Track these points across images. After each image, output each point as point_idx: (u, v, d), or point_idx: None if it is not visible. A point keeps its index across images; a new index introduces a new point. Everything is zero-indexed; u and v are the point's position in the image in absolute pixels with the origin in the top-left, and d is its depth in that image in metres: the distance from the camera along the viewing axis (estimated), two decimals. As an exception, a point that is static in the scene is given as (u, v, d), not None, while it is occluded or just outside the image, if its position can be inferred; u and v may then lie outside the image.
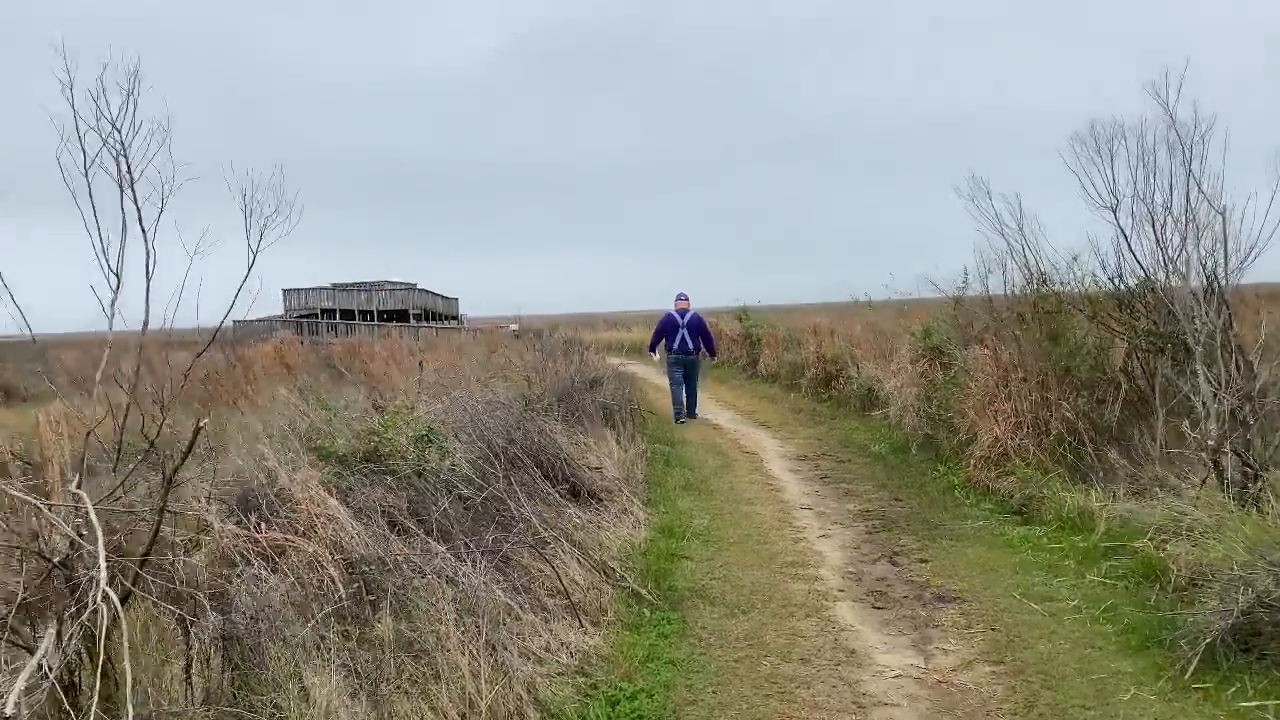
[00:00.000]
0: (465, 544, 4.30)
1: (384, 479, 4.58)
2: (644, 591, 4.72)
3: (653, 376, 18.10)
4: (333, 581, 3.79)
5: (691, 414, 12.69)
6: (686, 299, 12.81)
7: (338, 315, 51.50)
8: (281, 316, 51.50)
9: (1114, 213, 7.60)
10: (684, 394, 12.62)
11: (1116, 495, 6.27)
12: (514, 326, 50.48)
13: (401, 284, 53.99)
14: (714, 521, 6.64)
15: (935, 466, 8.20)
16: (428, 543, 4.18)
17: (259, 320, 50.77)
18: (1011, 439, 7.10)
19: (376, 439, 4.82)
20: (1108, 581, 5.00)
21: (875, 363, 12.01)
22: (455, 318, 55.76)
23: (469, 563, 4.12)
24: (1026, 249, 7.59)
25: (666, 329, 12.78)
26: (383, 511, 4.34)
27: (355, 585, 3.83)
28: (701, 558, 5.69)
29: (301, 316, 51.74)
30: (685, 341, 12.50)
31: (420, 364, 14.29)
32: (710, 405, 14.72)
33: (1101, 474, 6.70)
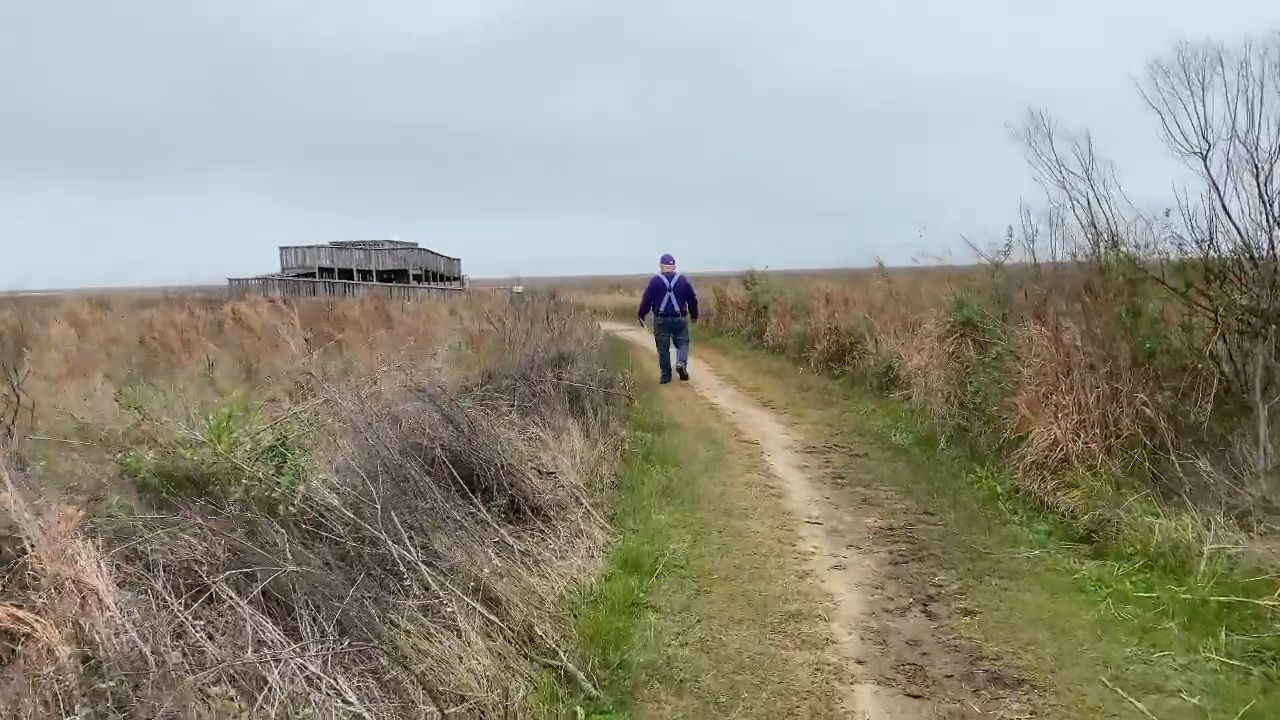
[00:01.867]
0: (313, 620, 2.92)
1: (209, 514, 3.18)
2: (581, 673, 3.32)
3: (650, 345, 16.64)
4: (64, 699, 2.41)
5: (683, 376, 12.78)
6: (672, 262, 12.84)
7: (336, 274, 50.20)
8: (278, 275, 50.24)
9: (1204, 160, 6.11)
10: (671, 357, 12.82)
11: (1214, 521, 4.84)
12: (518, 288, 49.02)
13: (402, 243, 52.48)
14: (696, 545, 5.23)
15: (971, 468, 6.76)
16: (246, 622, 2.77)
17: (255, 279, 49.72)
18: (1074, 441, 5.65)
19: (205, 453, 3.41)
20: (1235, 664, 3.57)
21: (896, 337, 10.54)
22: (458, 279, 54.36)
23: (310, 653, 2.73)
24: (1096, 202, 6.08)
25: (655, 293, 12.82)
26: (187, 570, 2.94)
27: (102, 705, 2.43)
28: (673, 606, 4.28)
29: (299, 275, 50.43)
30: (671, 304, 12.64)
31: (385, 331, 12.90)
32: (709, 379, 13.28)
33: (1189, 489, 5.26)
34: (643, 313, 13.58)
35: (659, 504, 5.98)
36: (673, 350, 12.84)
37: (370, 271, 50.33)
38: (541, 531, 4.64)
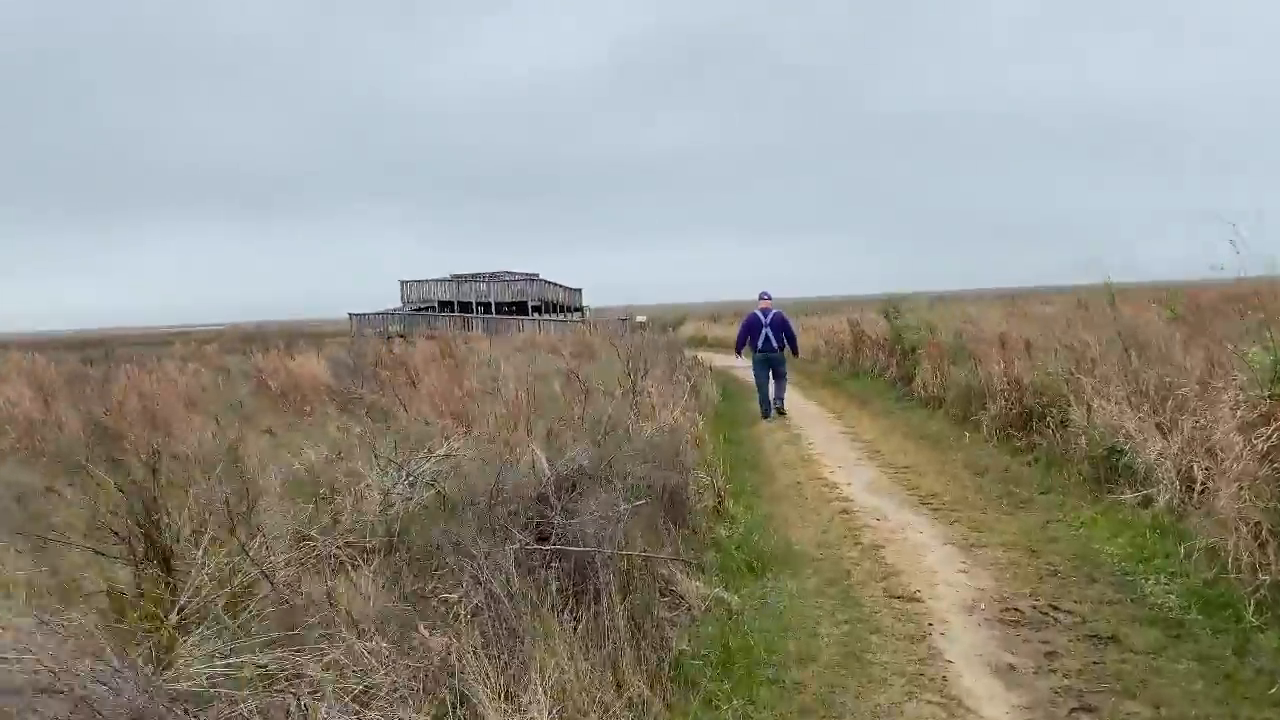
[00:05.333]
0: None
1: None
2: None
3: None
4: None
5: (780, 411, 12.87)
6: (769, 298, 13.08)
7: (455, 307, 49.17)
8: (398, 309, 49.63)
9: None
10: (770, 392, 12.85)
11: None
12: (641, 318, 46.77)
13: (521, 275, 51.04)
14: None
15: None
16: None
17: (376, 313, 49.20)
18: None
19: None
20: None
21: (1123, 403, 7.07)
22: (579, 309, 52.51)
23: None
24: None
25: (751, 329, 13.02)
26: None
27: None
28: None
29: (419, 309, 49.67)
30: (769, 340, 12.81)
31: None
32: (843, 447, 10.06)
33: None
34: (740, 347, 13.51)
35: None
36: (771, 385, 12.87)
37: (490, 304, 49.03)
38: None
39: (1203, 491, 5.77)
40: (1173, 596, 4.89)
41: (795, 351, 13.54)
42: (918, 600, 5.07)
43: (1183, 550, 5.44)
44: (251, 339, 33.82)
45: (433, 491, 5.90)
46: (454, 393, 9.35)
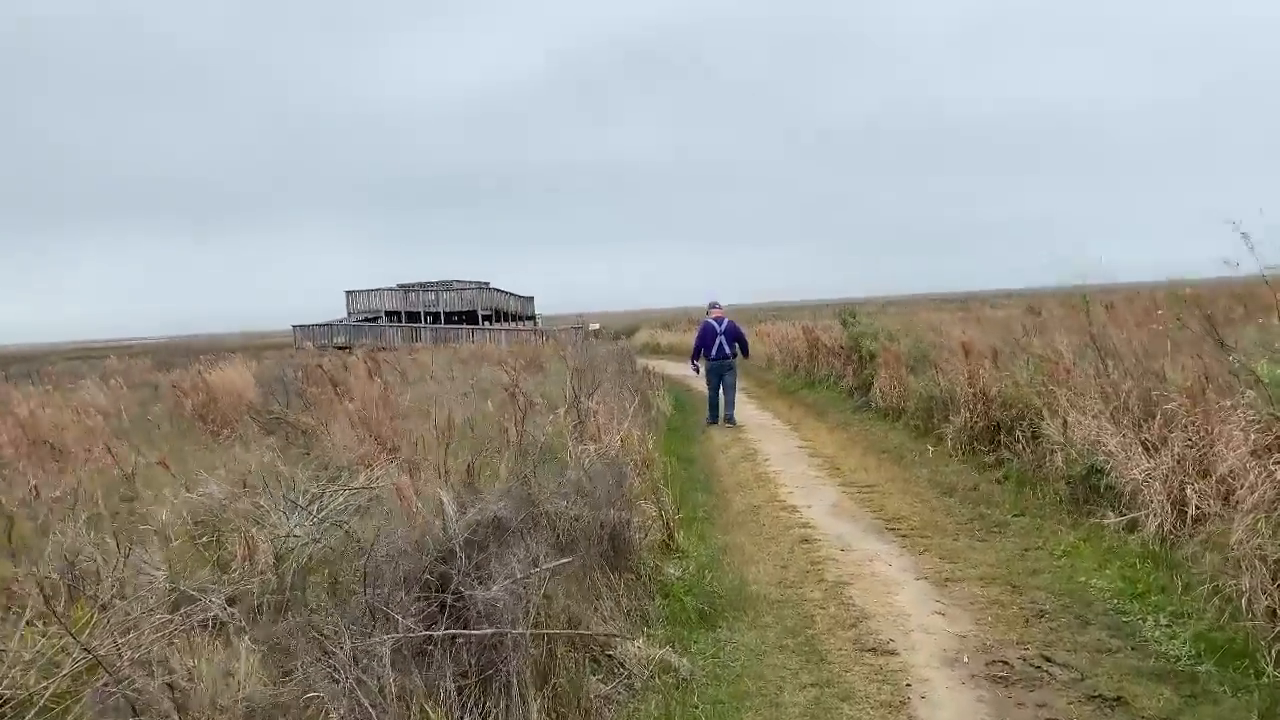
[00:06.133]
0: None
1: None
2: None
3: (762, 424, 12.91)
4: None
5: (731, 420, 12.89)
6: (720, 306, 13.29)
7: (403, 317, 48.02)
8: (343, 321, 48.36)
9: None
10: (720, 399, 13.00)
11: None
12: (594, 326, 46.03)
13: (471, 283, 50.04)
14: None
15: None
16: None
17: (320, 325, 47.86)
18: None
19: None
20: None
21: (1102, 416, 6.53)
22: (531, 318, 51.64)
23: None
24: None
25: (706, 337, 13.09)
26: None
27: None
28: None
29: (365, 319, 48.45)
30: (723, 348, 12.94)
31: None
32: (803, 465, 9.47)
33: None
34: (695, 357, 13.48)
35: None
36: (722, 395, 13.00)
37: (439, 313, 47.95)
38: None
39: (1197, 518, 5.24)
40: (1178, 643, 4.32)
41: (745, 354, 13.82)
42: (892, 653, 4.43)
43: (1180, 584, 4.90)
44: (193, 351, 32.50)
45: (342, 532, 5.16)
46: (377, 414, 8.56)
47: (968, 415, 8.93)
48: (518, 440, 7.40)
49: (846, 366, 14.69)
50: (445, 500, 3.70)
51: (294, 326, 47.62)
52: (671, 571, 5.47)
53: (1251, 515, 4.02)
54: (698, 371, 13.58)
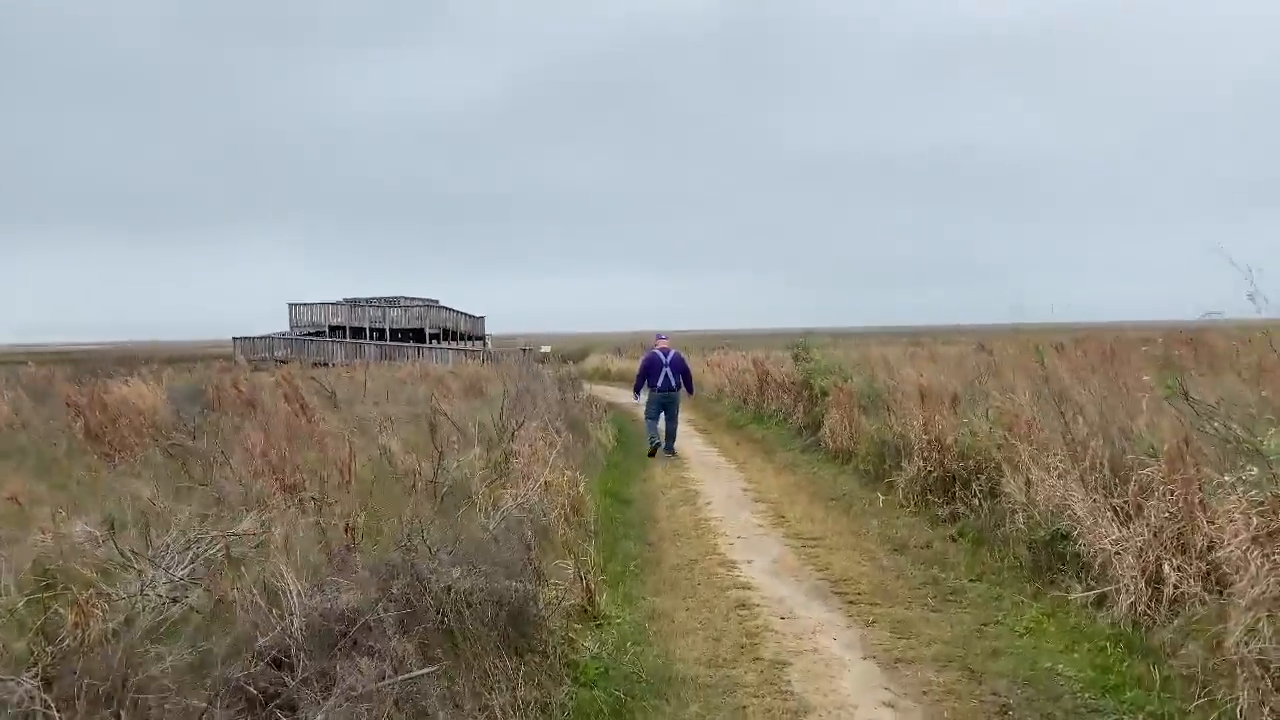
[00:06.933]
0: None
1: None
2: None
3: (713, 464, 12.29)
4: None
5: (671, 451, 12.87)
6: (666, 338, 13.40)
7: (348, 333, 46.81)
8: (286, 334, 47.01)
9: None
10: (662, 429, 12.96)
11: None
12: (546, 349, 45.18)
13: (420, 300, 49.03)
14: None
15: None
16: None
17: (262, 338, 46.43)
18: None
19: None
20: None
21: (1068, 476, 5.98)
22: (480, 338, 50.66)
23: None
24: None
25: (651, 368, 13.08)
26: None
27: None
28: None
29: (308, 334, 47.12)
30: (668, 379, 12.91)
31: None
32: (746, 512, 8.84)
33: None
34: (638, 388, 13.49)
35: None
36: (664, 425, 12.96)
37: (385, 330, 46.82)
38: None
39: (1175, 599, 4.70)
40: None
41: (690, 391, 13.64)
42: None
43: (1158, 677, 4.33)
44: (131, 360, 30.97)
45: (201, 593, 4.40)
46: (281, 444, 7.75)
47: (922, 464, 8.39)
48: (430, 483, 6.70)
49: (797, 403, 14.15)
50: (289, 579, 2.98)
51: (235, 338, 46.19)
52: (587, 646, 4.77)
53: (1251, 613, 3.45)
54: (639, 401, 13.74)
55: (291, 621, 2.76)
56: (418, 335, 47.56)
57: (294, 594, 2.85)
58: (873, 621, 5.56)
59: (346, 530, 4.17)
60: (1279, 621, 3.38)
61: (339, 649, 2.78)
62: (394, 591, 3.45)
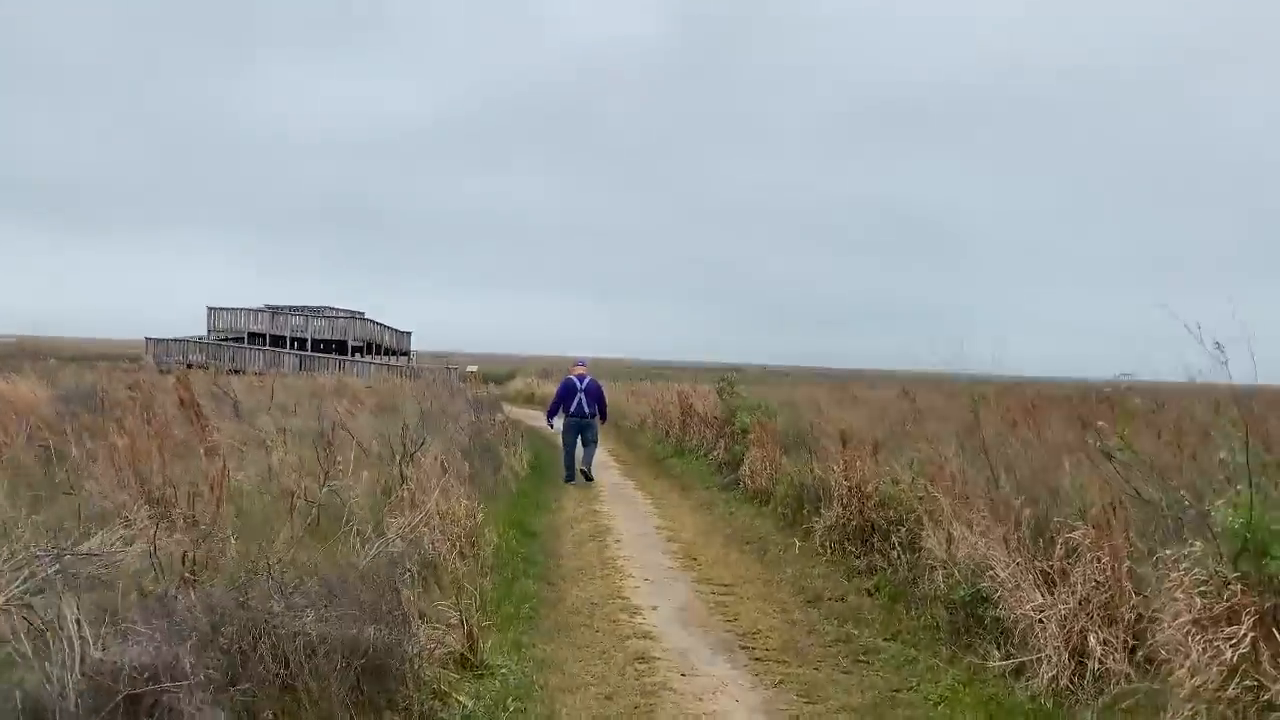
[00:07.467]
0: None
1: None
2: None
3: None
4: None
5: (588, 476, 12.86)
6: (585, 364, 13.34)
7: (267, 341, 45.21)
8: (203, 338, 45.21)
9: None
10: (577, 457, 12.89)
11: None
12: (472, 368, 44.26)
13: (345, 312, 47.69)
14: None
15: None
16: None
17: (178, 340, 44.58)
18: None
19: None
20: None
21: (990, 534, 5.69)
22: (405, 353, 49.49)
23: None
24: None
25: (566, 394, 13.06)
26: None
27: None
28: None
29: (227, 339, 45.41)
30: (582, 405, 12.83)
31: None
32: (656, 552, 8.40)
33: None
34: (552, 413, 13.55)
35: None
36: (580, 451, 12.88)
37: (306, 340, 45.33)
38: None
39: (1101, 675, 4.38)
40: None
41: (604, 418, 13.63)
42: None
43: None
44: (33, 354, 29.30)
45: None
46: (154, 454, 7.06)
47: (841, 510, 8.05)
48: (311, 505, 6.12)
49: (719, 439, 13.81)
50: (81, 627, 2.44)
51: (147, 339, 44.28)
52: (462, 702, 4.25)
53: (1191, 705, 3.12)
54: (553, 427, 13.76)
55: (65, 676, 2.22)
56: (340, 347, 46.24)
57: (75, 641, 2.31)
58: (779, 682, 5.15)
59: (184, 560, 3.60)
60: (1218, 716, 3.05)
61: (122, 714, 2.25)
62: (221, 641, 2.92)
